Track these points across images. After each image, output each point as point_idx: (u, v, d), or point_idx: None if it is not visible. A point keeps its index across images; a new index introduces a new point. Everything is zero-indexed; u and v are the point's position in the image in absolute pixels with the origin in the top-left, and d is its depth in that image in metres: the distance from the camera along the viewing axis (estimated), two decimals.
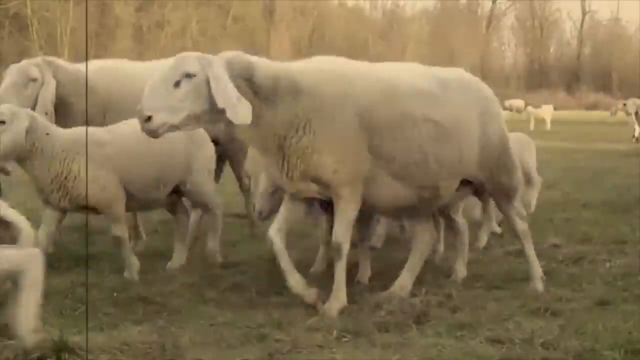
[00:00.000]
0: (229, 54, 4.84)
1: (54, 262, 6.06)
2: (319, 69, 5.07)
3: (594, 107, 57.74)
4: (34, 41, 42.67)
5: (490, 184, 5.59)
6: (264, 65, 4.88)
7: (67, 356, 3.86)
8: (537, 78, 72.31)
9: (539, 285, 5.55)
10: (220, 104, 4.52)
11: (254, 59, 4.93)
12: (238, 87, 4.63)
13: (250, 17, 59.08)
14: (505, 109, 48.03)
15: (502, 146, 5.59)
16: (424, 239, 5.62)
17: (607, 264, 6.18)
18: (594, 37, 77.27)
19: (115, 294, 5.15)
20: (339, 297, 4.98)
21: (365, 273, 5.86)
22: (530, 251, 5.71)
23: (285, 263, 5.06)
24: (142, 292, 5.18)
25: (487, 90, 5.70)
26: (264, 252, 6.61)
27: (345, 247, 4.99)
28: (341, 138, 4.93)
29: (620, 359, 3.95)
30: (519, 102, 48.34)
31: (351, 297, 5.06)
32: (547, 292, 5.31)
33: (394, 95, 5.12)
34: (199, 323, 4.61)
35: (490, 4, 79.20)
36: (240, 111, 4.55)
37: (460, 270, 5.85)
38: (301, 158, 4.88)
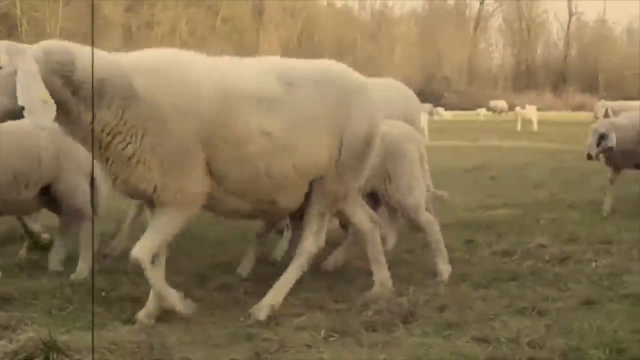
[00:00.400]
0: (48, 44, 4.29)
1: (43, 262, 6.06)
2: (159, 71, 4.48)
3: (580, 108, 58.27)
4: (23, 41, 42.35)
5: (331, 181, 4.98)
6: (89, 62, 4.21)
7: (55, 356, 3.85)
8: (524, 79, 72.76)
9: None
10: (21, 101, 4.03)
11: (79, 52, 4.30)
12: (51, 85, 4.13)
13: (239, 18, 59.08)
14: (489, 109, 48.74)
15: (365, 142, 5.01)
16: (363, 226, 5.34)
17: (593, 264, 6.20)
18: (580, 39, 77.83)
19: (103, 294, 5.14)
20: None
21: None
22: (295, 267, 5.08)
23: (158, 279, 4.71)
24: (130, 292, 5.17)
25: (352, 82, 5.05)
26: None
27: (146, 264, 4.53)
28: (174, 154, 4.42)
29: (605, 357, 3.96)
30: (502, 103, 48.99)
31: (344, 297, 5.09)
32: (534, 292, 5.34)
33: (233, 109, 4.55)
34: (187, 322, 4.61)
35: (477, 5, 79.64)
36: (40, 113, 4.06)
37: (444, 269, 5.73)
38: (126, 165, 4.41)
